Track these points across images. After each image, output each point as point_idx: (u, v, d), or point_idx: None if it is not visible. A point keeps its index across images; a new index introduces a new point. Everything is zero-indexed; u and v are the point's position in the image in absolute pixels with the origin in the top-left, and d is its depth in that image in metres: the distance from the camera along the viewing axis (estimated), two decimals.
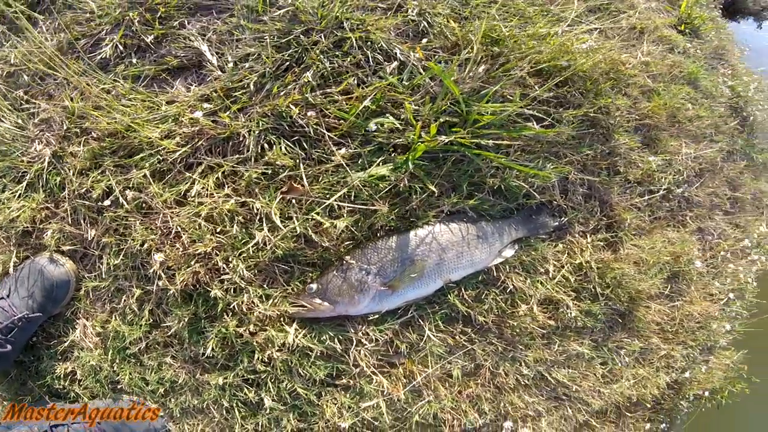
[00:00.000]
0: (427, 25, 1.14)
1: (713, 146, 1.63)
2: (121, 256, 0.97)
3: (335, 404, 0.94)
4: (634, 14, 1.64)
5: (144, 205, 0.98)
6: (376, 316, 0.99)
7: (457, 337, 1.03)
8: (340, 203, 0.97)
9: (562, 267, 1.16)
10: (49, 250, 0.99)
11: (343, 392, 0.96)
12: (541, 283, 1.13)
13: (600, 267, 1.21)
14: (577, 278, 1.18)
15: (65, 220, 1.01)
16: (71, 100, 1.04)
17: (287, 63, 1.06)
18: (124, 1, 1.11)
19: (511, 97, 1.10)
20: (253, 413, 0.97)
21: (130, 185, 0.96)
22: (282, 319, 0.95)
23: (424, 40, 1.13)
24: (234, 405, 0.94)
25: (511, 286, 1.10)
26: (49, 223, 1.01)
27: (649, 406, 1.26)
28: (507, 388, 1.07)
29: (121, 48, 1.10)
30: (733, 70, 2.11)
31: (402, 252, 1.00)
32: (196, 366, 0.96)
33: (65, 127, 1.03)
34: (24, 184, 1.02)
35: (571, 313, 1.14)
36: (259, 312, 0.92)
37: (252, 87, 1.03)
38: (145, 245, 0.94)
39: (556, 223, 1.21)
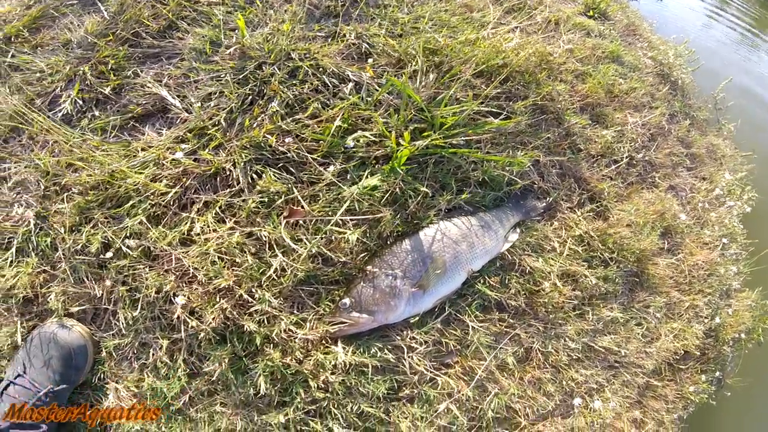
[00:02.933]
0: (368, 46, 2.08)
1: (654, 112, 2.89)
2: (138, 308, 1.50)
3: (407, 417, 1.53)
4: (545, 9, 2.92)
5: (149, 251, 1.54)
6: (416, 318, 1.66)
7: (497, 325, 1.78)
8: (343, 218, 1.68)
9: (566, 241, 2.05)
10: (57, 315, 1.47)
11: (410, 404, 1.57)
12: (553, 259, 1.99)
13: (600, 235, 2.13)
14: (583, 249, 2.08)
15: (67, 281, 1.51)
16: (41, 158, 1.61)
17: (250, 96, 1.86)
18: (72, 57, 1.82)
19: (464, 99, 2.05)
20: None
21: (128, 234, 1.54)
22: (324, 341, 1.56)
23: (370, 60, 2.06)
24: None
25: (528, 267, 1.93)
26: (50, 286, 1.51)
27: (697, 355, 2.10)
28: (562, 366, 1.82)
29: (81, 102, 1.80)
30: (649, 43, 3.65)
31: (419, 252, 1.74)
32: (250, 409, 1.47)
33: (42, 187, 1.61)
34: (13, 249, 1.53)
35: (591, 281, 2.00)
36: (300, 338, 1.52)
37: (223, 123, 1.82)
38: (161, 292, 1.50)
39: (544, 204, 2.14)
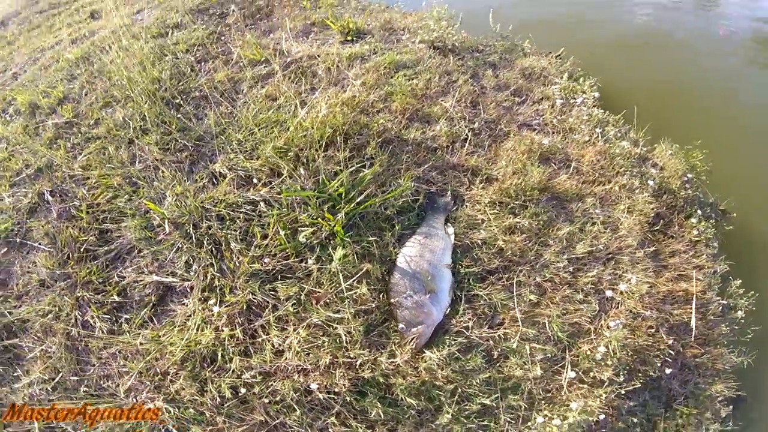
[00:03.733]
0: (248, 168, 4.30)
1: (458, 84, 5.55)
2: (293, 413, 3.50)
3: (512, 368, 3.71)
4: (320, 62, 5.50)
5: (266, 373, 3.62)
6: (449, 310, 3.90)
7: (498, 283, 4.07)
8: (349, 284, 3.78)
9: (485, 211, 4.46)
10: None
11: (505, 360, 3.84)
12: (488, 226, 4.35)
13: (501, 192, 4.64)
14: (500, 208, 4.55)
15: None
16: (133, 366, 3.58)
17: (211, 247, 3.99)
18: (60, 291, 3.87)
19: (338, 170, 4.33)
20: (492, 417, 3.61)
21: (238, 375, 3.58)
22: (415, 355, 3.69)
23: (255, 180, 4.27)
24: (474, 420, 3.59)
25: (477, 241, 4.28)
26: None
27: (667, 212, 5.01)
28: (571, 280, 4.22)
29: (106, 316, 3.78)
30: (407, 29, 6.70)
31: (408, 275, 3.96)
32: (424, 425, 3.53)
33: (155, 382, 3.60)
34: None
35: (525, 223, 4.38)
36: (401, 362, 3.57)
37: (218, 273, 3.91)
38: (298, 391, 3.55)
39: (449, 197, 4.56)
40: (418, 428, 3.65)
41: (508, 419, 3.74)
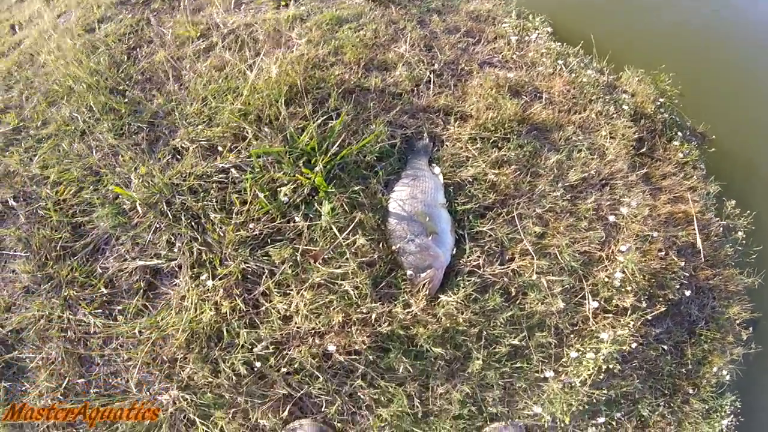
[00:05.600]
0: (210, 137, 3.89)
1: (407, 31, 5.17)
2: (322, 376, 3.21)
3: (533, 303, 3.36)
4: (258, 28, 5.06)
5: (279, 343, 3.34)
6: (455, 251, 3.55)
7: (499, 219, 3.76)
8: (345, 238, 3.39)
9: (467, 147, 4.09)
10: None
11: (523, 296, 3.63)
12: (474, 163, 4.03)
13: (479, 128, 4.30)
14: (482, 143, 4.20)
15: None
16: (136, 356, 3.19)
17: (192, 222, 3.56)
18: (46, 295, 3.55)
19: (302, 124, 3.93)
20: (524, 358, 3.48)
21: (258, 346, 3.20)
22: (432, 303, 3.42)
23: (219, 148, 3.84)
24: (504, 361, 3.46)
25: (467, 178, 3.94)
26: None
27: (648, 135, 5.24)
28: (571, 208, 3.95)
29: (99, 311, 3.48)
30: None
31: (404, 218, 3.56)
32: (458, 372, 3.29)
33: (164, 371, 3.30)
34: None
35: (512, 155, 4.10)
36: (417, 311, 3.27)
37: (205, 247, 3.51)
38: (316, 357, 3.25)
39: (426, 139, 4.18)
40: (450, 379, 3.44)
41: (541, 358, 3.62)
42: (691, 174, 4.93)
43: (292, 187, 3.70)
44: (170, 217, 3.64)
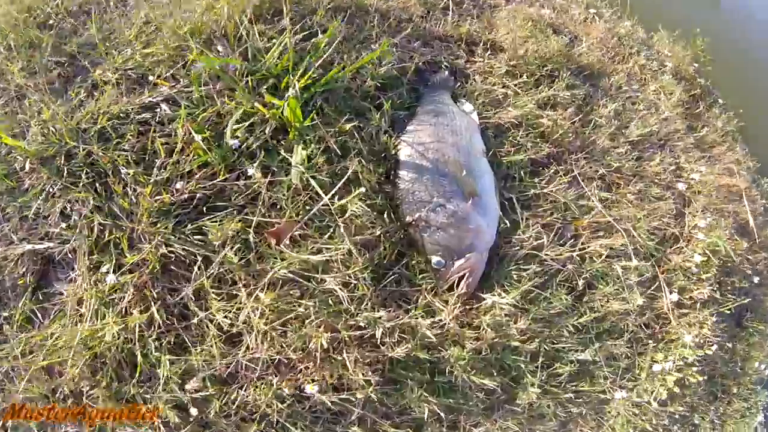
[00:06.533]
0: (141, 64, 2.65)
1: None
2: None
3: (603, 298, 2.50)
4: None
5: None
6: (504, 225, 2.42)
7: (556, 178, 2.72)
8: (330, 202, 2.17)
9: (504, 83, 3.01)
10: None
11: (589, 289, 2.60)
12: (517, 102, 2.93)
13: (518, 60, 3.16)
14: (524, 80, 3.12)
15: None
16: None
17: (95, 182, 2.33)
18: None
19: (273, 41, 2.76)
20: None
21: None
22: (470, 309, 2.22)
23: (151, 77, 2.61)
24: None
25: (509, 121, 2.83)
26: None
27: (695, 92, 4.57)
28: (636, 170, 2.94)
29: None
30: None
31: (430, 171, 2.33)
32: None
33: None
34: None
35: (564, 95, 3.09)
36: (449, 320, 2.10)
37: (110, 223, 2.26)
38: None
39: (446, 72, 3.00)
40: (488, 415, 2.31)
41: (608, 373, 2.70)
42: (733, 146, 4.32)
43: (247, 124, 2.48)
44: (67, 175, 2.38)
